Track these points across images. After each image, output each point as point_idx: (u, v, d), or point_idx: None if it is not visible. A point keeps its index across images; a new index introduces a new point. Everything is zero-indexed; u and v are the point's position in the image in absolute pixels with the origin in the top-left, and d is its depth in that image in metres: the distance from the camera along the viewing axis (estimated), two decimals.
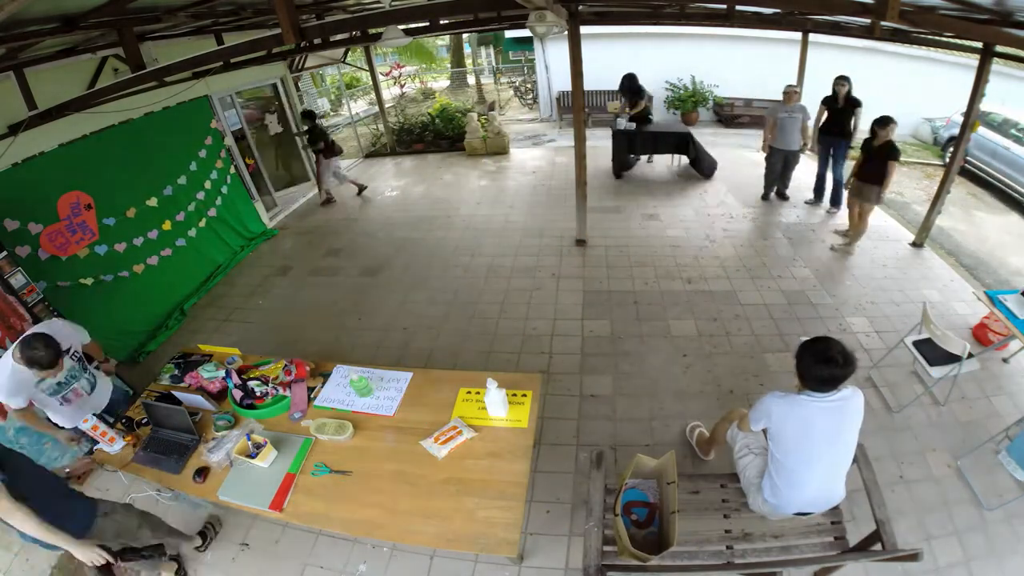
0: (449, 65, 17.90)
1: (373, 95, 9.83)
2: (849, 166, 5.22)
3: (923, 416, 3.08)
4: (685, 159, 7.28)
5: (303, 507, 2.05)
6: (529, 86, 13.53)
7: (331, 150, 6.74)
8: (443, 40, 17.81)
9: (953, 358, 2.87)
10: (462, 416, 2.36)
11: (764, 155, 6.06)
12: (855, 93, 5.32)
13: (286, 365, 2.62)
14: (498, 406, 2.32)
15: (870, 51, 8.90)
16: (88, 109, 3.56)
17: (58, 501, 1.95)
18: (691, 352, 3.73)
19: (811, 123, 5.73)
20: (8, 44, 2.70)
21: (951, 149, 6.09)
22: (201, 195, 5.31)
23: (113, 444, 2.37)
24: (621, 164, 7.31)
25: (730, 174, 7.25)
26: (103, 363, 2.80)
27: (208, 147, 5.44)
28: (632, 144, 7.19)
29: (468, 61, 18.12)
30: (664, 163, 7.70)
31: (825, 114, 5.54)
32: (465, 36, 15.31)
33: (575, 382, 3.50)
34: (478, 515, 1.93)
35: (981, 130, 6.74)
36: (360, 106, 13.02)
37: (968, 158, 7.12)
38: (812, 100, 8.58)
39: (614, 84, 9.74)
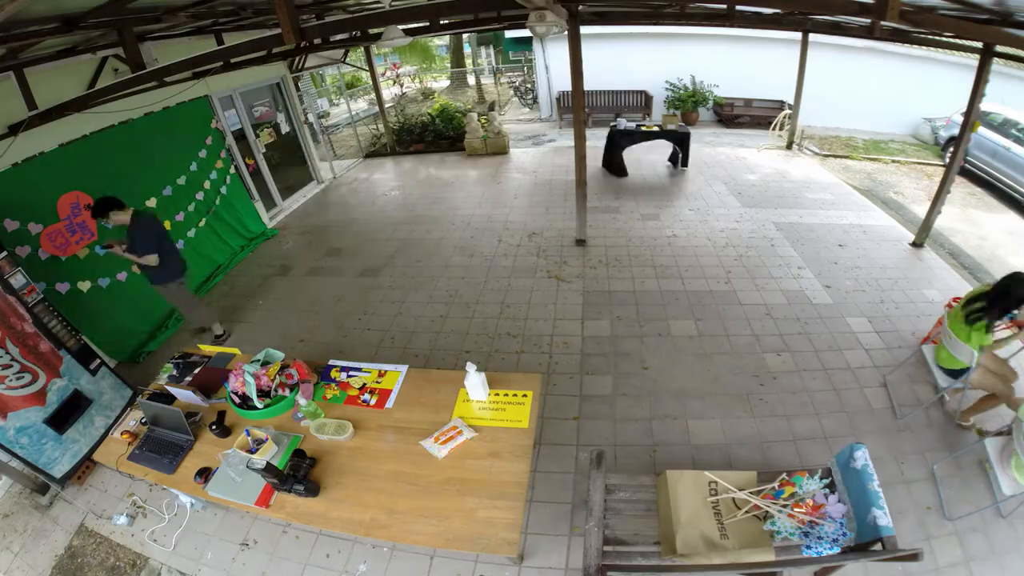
0: (449, 65, 17.90)
1: (373, 95, 9.83)
2: None
3: (923, 416, 3.08)
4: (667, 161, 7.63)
5: (302, 507, 2.05)
6: (529, 86, 13.53)
7: None
8: (443, 40, 17.82)
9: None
10: (462, 416, 2.36)
11: None
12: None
13: (282, 368, 2.60)
14: (478, 389, 2.35)
15: (870, 51, 8.90)
16: (88, 109, 3.56)
17: None
18: (691, 352, 3.73)
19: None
20: (8, 44, 2.69)
21: (951, 149, 6.09)
22: (200, 195, 5.31)
23: None
24: (610, 158, 7.50)
25: (730, 174, 7.26)
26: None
27: (208, 147, 5.44)
28: (623, 142, 7.30)
29: (468, 61, 18.14)
30: (663, 164, 7.72)
31: None
32: (465, 36, 15.33)
33: (575, 382, 3.50)
34: (478, 515, 1.93)
35: (981, 130, 6.74)
36: (360, 105, 12.99)
37: (968, 158, 7.12)
38: (812, 100, 8.55)
39: (614, 84, 9.80)
